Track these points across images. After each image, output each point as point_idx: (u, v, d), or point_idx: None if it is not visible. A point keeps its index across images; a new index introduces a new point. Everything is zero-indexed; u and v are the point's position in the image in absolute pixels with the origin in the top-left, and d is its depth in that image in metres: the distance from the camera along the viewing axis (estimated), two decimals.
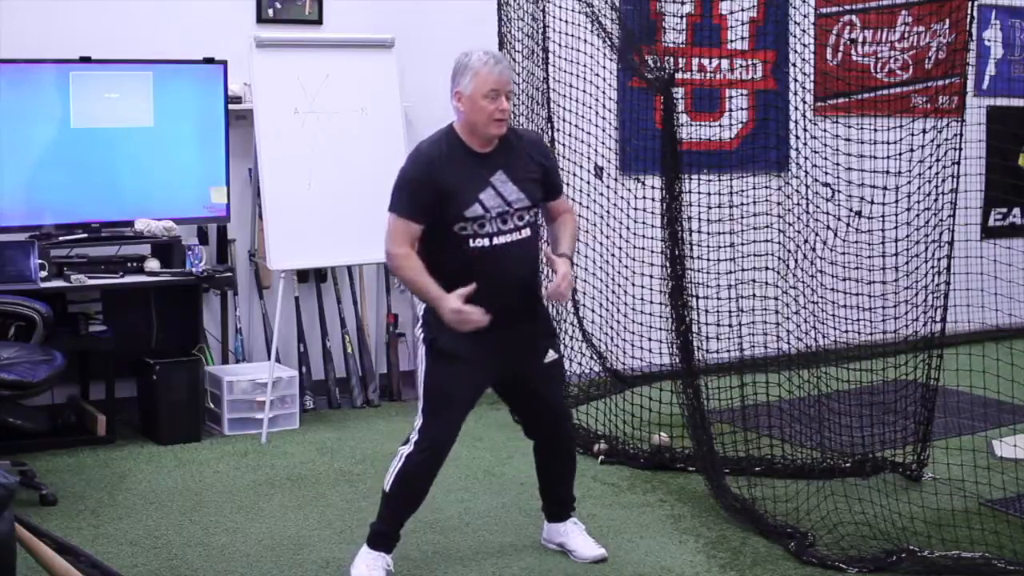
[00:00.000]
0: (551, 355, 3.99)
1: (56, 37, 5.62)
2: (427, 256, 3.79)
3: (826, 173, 4.97)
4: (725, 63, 6.93)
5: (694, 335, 4.73)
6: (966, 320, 5.44)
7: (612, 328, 6.11)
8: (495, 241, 3.77)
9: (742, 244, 5.41)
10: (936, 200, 4.77)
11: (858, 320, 5.19)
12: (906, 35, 7.41)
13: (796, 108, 5.37)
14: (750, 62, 6.99)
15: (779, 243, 5.25)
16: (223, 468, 5.16)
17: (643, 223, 5.73)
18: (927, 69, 7.10)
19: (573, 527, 4.20)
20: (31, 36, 5.57)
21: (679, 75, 5.28)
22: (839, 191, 4.99)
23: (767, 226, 5.40)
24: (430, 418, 3.82)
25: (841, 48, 7.30)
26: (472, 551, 4.21)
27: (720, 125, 6.78)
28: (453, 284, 3.73)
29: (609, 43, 5.40)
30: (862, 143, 5.09)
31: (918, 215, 4.84)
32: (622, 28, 5.34)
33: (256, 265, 6.15)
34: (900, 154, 4.83)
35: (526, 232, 3.83)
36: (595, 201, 6.03)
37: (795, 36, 5.15)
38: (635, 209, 5.85)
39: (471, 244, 3.75)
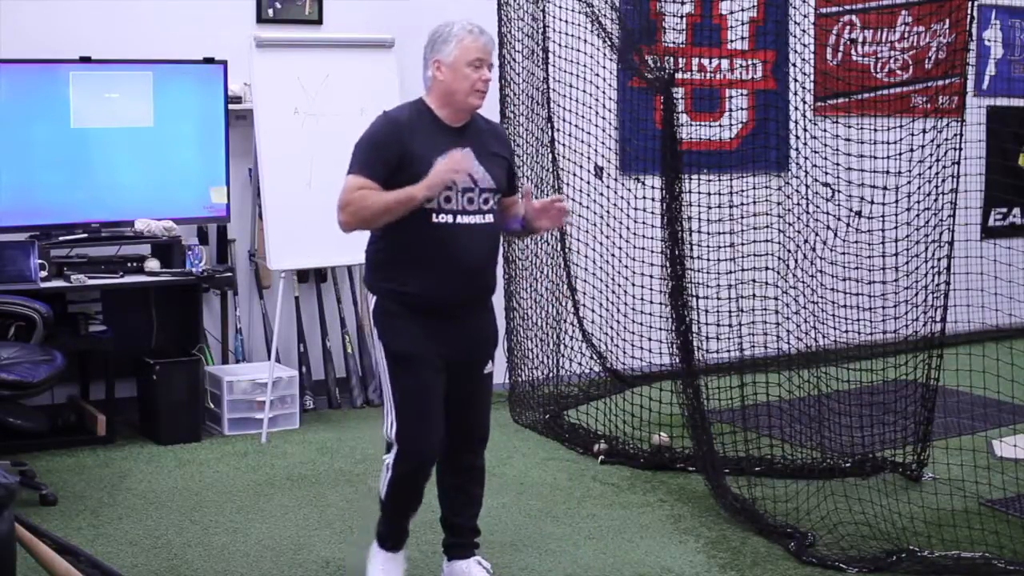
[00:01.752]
0: (489, 366, 3.81)
1: (56, 37, 5.62)
2: (388, 232, 3.60)
3: (826, 173, 4.97)
4: (725, 63, 6.93)
5: (694, 335, 4.73)
6: (966, 320, 5.45)
7: (612, 328, 6.11)
8: (459, 220, 3.57)
9: (742, 244, 5.41)
10: (936, 200, 4.78)
11: (858, 320, 5.19)
12: (906, 35, 7.41)
13: (796, 108, 5.37)
14: (750, 62, 6.99)
15: (779, 243, 5.25)
16: (223, 468, 5.16)
17: (643, 223, 5.73)
18: (927, 69, 7.10)
19: (477, 569, 3.88)
20: (31, 36, 5.57)
21: (679, 75, 5.28)
22: (839, 191, 4.99)
23: (767, 226, 5.40)
24: (407, 429, 3.63)
25: (841, 48, 7.30)
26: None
27: (720, 125, 6.79)
28: (414, 263, 3.58)
29: (609, 43, 5.41)
30: (862, 143, 5.08)
31: (918, 215, 4.84)
32: (622, 28, 5.34)
33: (256, 265, 6.15)
34: (900, 154, 4.83)
35: (490, 217, 3.65)
36: (595, 201, 6.03)
37: (795, 36, 5.15)
38: (635, 209, 5.85)
39: (434, 219, 3.55)
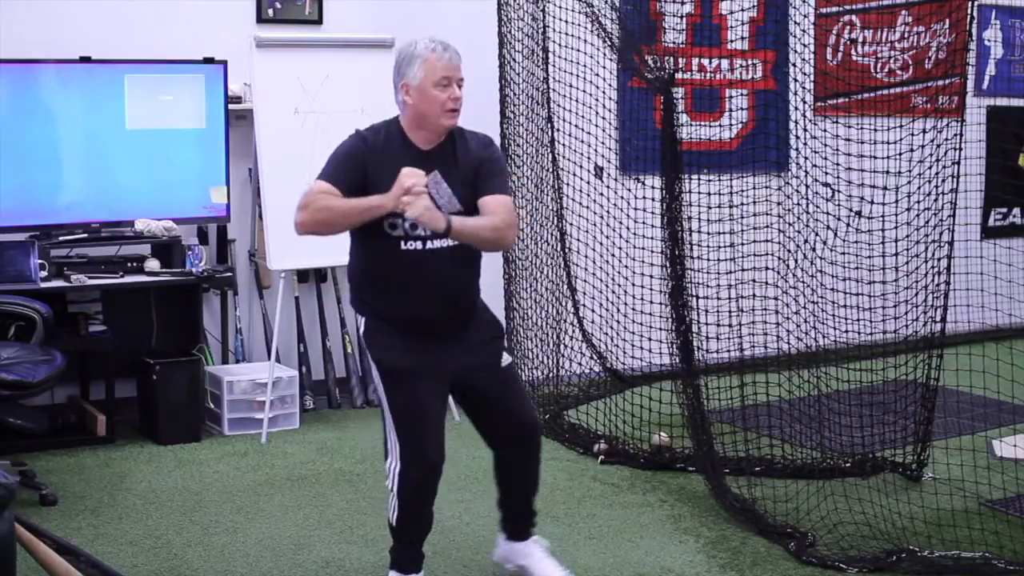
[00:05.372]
0: (506, 358, 3.79)
1: (56, 37, 5.62)
2: (361, 259, 3.66)
3: (826, 173, 4.97)
4: (725, 63, 6.93)
5: (694, 335, 4.73)
6: (966, 320, 5.44)
7: (612, 328, 6.11)
8: (428, 245, 3.55)
9: (742, 244, 5.41)
10: (936, 200, 4.78)
11: (858, 320, 5.19)
12: (906, 35, 7.41)
13: (796, 108, 5.37)
14: (750, 62, 6.99)
15: (779, 243, 5.25)
16: (223, 468, 5.16)
17: (643, 223, 5.73)
18: (927, 69, 7.10)
19: (536, 548, 3.95)
20: (31, 36, 5.57)
21: (679, 75, 5.28)
22: (839, 191, 4.99)
23: (767, 226, 5.40)
24: (408, 440, 3.62)
25: (841, 48, 7.30)
26: (472, 551, 4.22)
27: (720, 125, 6.79)
28: (389, 289, 3.61)
29: (609, 43, 5.41)
30: (862, 143, 5.09)
31: (918, 215, 4.84)
32: (622, 28, 5.34)
33: (256, 265, 6.15)
34: (900, 154, 4.83)
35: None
36: (595, 201, 6.03)
37: (795, 36, 5.15)
38: (635, 209, 5.85)
39: (403, 247, 3.55)
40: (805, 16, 5.23)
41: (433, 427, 3.64)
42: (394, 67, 3.64)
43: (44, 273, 5.34)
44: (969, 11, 4.92)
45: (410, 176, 3.46)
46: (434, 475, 3.66)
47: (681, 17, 5.74)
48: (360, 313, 3.73)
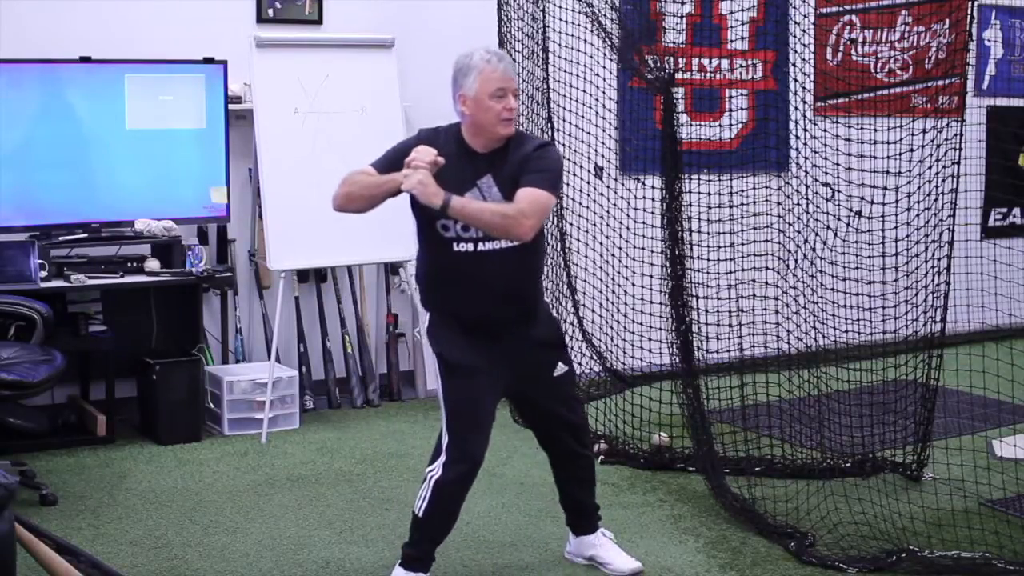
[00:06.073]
0: (560, 368, 3.89)
1: (56, 37, 5.62)
2: (424, 260, 3.80)
3: (826, 173, 4.97)
4: (725, 63, 6.93)
5: (694, 335, 4.73)
6: (966, 320, 5.44)
7: (612, 328, 6.11)
8: (480, 247, 3.65)
9: (742, 244, 5.41)
10: (936, 200, 4.78)
11: (858, 320, 5.19)
12: (906, 35, 7.41)
13: (796, 108, 5.37)
14: (750, 62, 6.99)
15: (779, 243, 5.25)
16: (223, 468, 5.16)
17: (643, 223, 5.73)
18: (927, 69, 7.10)
19: (603, 539, 4.10)
20: (31, 36, 5.57)
21: (679, 75, 5.28)
22: (839, 191, 4.99)
23: (767, 226, 5.40)
24: (457, 434, 3.70)
25: (841, 48, 7.30)
26: (472, 551, 4.21)
27: (720, 125, 6.78)
28: (443, 288, 3.75)
29: (609, 43, 5.41)
30: (862, 143, 5.09)
31: (918, 215, 4.84)
32: (622, 28, 5.34)
33: (256, 265, 6.15)
34: (900, 154, 4.83)
35: (516, 241, 3.66)
36: (595, 201, 6.03)
37: (795, 36, 5.15)
38: (635, 209, 5.85)
39: (455, 248, 3.66)
40: (805, 16, 5.22)
41: (481, 424, 3.74)
42: (452, 78, 3.71)
43: (44, 273, 5.34)
44: (969, 11, 4.91)
45: (416, 151, 3.59)
46: (473, 471, 3.74)
47: (681, 17, 5.73)
48: (426, 310, 3.88)
